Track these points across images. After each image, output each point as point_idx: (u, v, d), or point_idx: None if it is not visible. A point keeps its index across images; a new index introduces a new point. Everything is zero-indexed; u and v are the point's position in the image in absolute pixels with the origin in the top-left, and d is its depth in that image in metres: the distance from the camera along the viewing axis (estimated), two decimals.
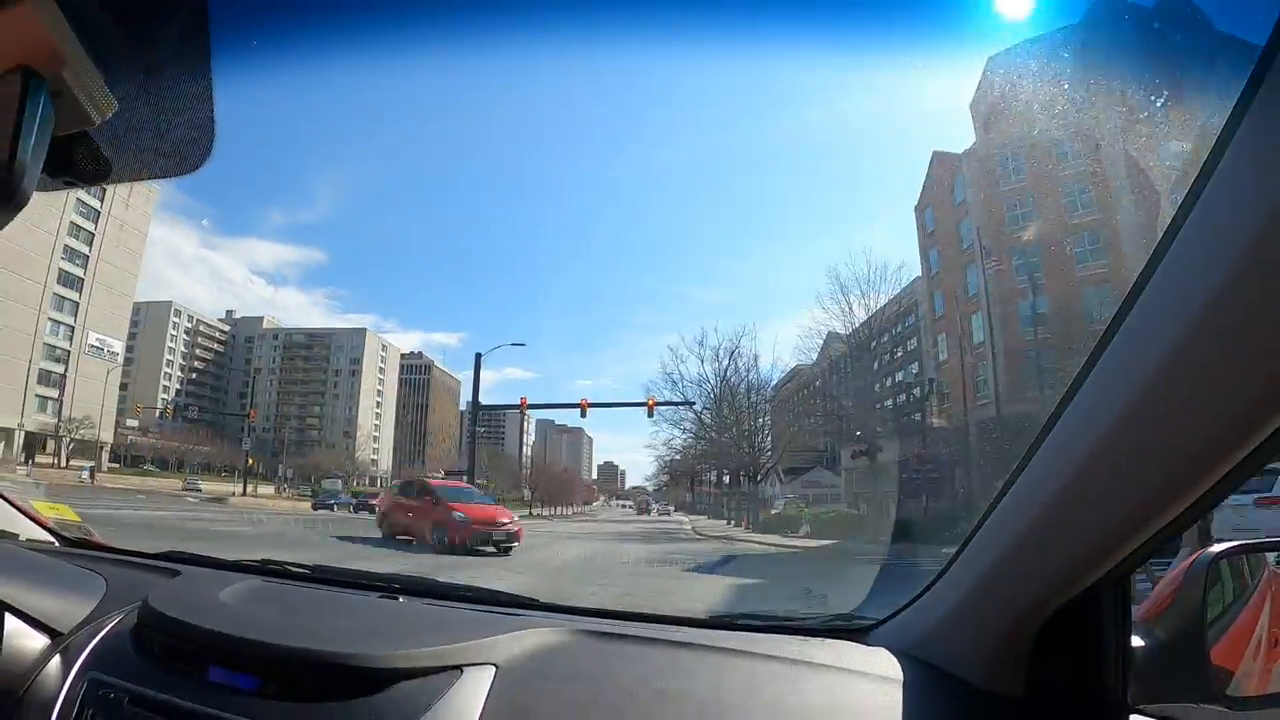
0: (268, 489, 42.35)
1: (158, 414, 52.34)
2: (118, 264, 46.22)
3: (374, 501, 28.69)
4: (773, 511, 31.62)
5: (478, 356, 33.12)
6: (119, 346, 47.29)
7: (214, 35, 0.80)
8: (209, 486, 38.22)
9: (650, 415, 32.71)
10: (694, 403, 35.34)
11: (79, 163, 0.80)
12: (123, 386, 48.89)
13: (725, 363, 35.08)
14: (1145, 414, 0.80)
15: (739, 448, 34.76)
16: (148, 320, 57.69)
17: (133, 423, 48.45)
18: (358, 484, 49.24)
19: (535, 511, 38.09)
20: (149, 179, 0.93)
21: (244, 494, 37.16)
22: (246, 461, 42.64)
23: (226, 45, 0.83)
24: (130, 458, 49.05)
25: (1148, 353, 0.79)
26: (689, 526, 31.53)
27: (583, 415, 31.41)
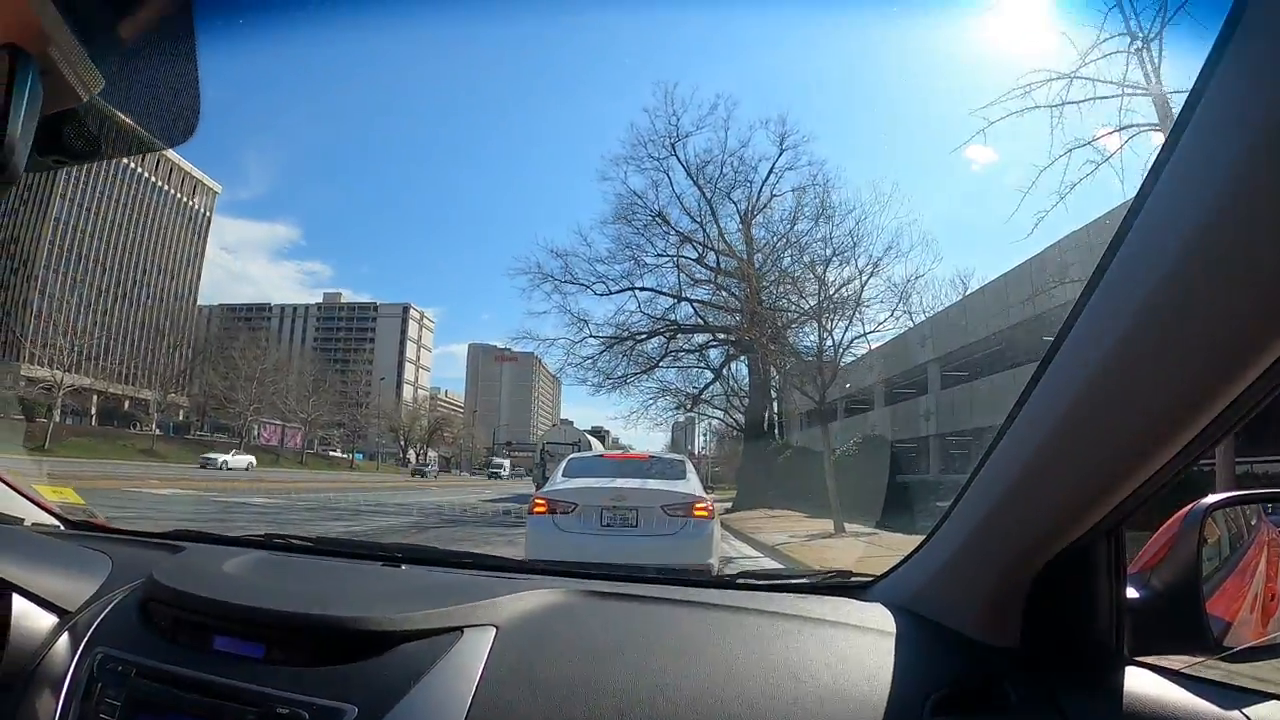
0: None
1: None
2: None
3: None
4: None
5: None
6: None
7: (196, 9, 0.80)
8: None
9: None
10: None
11: (68, 140, 0.81)
12: None
13: None
14: (1125, 362, 0.83)
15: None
16: None
17: None
18: None
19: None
20: (136, 154, 0.93)
21: None
22: None
23: (208, 19, 0.83)
24: None
25: (1130, 296, 0.81)
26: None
27: None
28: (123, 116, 0.85)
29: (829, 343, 19.31)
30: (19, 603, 1.42)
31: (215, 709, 1.18)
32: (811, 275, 21.60)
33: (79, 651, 1.35)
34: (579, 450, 18.14)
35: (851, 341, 20.16)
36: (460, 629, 1.24)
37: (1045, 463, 0.99)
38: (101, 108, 0.80)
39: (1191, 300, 0.75)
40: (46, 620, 1.44)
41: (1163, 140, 0.77)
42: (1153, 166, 0.78)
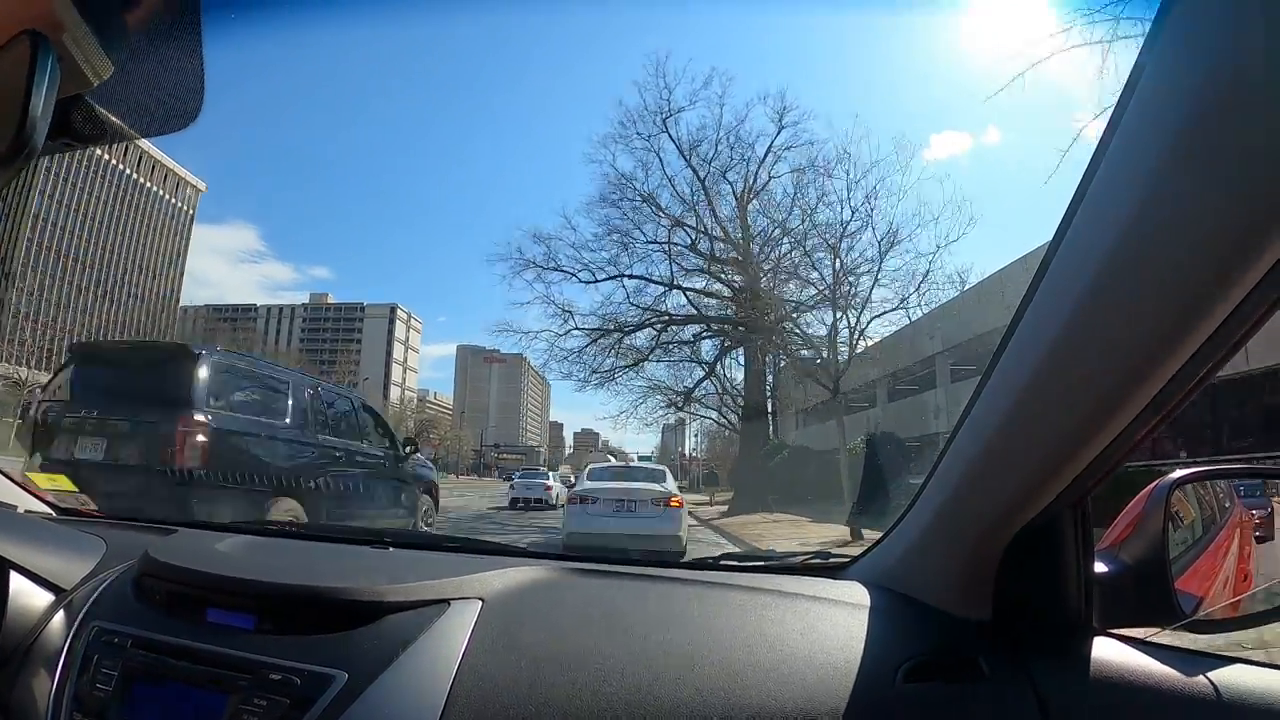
0: None
1: None
2: None
3: None
4: None
5: None
6: None
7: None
8: None
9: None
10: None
11: (76, 124, 0.84)
12: None
13: None
14: (1070, 344, 0.88)
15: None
16: None
17: None
18: None
19: None
20: (141, 138, 0.96)
21: None
22: None
23: (216, 8, 0.86)
24: None
25: (1074, 280, 0.85)
26: None
27: None
28: (127, 103, 0.88)
29: (844, 325, 19.17)
30: (16, 581, 1.44)
31: (209, 677, 1.20)
32: (810, 261, 21.44)
33: (75, 626, 1.37)
34: None
35: (869, 323, 20.06)
36: (447, 601, 1.26)
37: (1004, 439, 1.03)
38: (108, 92, 0.83)
39: (1130, 285, 0.79)
40: (43, 598, 1.46)
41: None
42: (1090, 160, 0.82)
